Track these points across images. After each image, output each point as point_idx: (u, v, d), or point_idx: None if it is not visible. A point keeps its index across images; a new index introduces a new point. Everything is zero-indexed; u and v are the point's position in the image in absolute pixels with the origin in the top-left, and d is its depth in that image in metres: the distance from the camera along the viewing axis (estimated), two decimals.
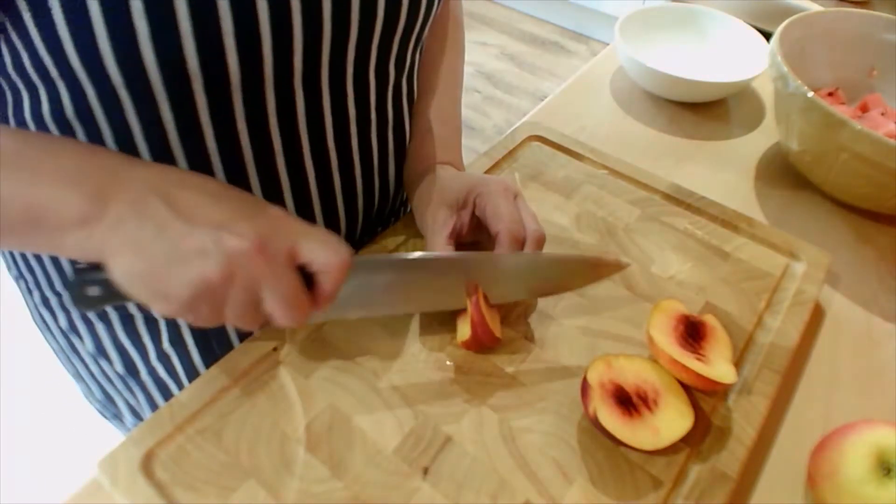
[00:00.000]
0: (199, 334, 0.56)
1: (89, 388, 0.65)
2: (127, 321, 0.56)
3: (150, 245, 0.34)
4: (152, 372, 0.58)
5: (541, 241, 0.49)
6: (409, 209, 0.71)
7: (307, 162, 0.50)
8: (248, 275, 0.35)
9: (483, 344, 0.47)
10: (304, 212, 0.52)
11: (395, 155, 0.59)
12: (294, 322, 0.38)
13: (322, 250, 0.37)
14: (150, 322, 0.56)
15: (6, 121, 0.46)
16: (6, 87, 0.43)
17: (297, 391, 0.45)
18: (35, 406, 1.44)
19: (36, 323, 0.63)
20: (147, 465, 0.40)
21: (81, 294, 0.39)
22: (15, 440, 1.38)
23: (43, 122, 0.43)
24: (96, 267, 0.38)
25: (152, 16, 0.36)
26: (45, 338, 0.64)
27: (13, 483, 1.32)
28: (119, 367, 0.59)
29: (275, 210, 0.38)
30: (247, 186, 0.48)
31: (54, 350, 0.65)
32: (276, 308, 0.36)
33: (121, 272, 0.35)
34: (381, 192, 0.59)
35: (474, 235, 0.52)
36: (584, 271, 0.49)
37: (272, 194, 0.49)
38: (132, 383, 0.60)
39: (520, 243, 0.48)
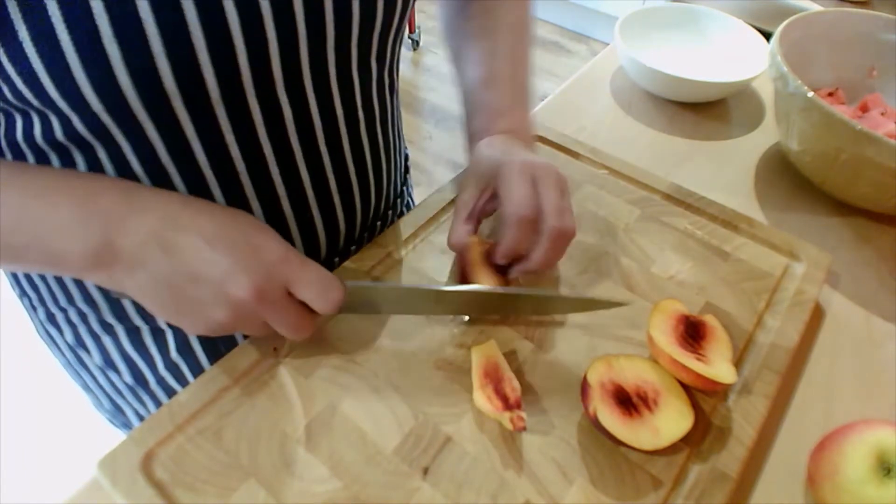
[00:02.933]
0: (207, 341, 0.56)
1: (98, 400, 0.65)
2: (133, 334, 0.56)
3: (160, 294, 0.39)
4: (161, 381, 0.58)
5: (559, 238, 0.46)
6: (405, 203, 0.71)
7: (301, 167, 0.49)
8: (252, 316, 0.40)
9: None
10: (303, 217, 0.52)
11: (385, 149, 0.58)
12: (302, 337, 0.43)
13: (313, 292, 0.41)
14: (157, 333, 0.56)
15: None
16: None
17: (297, 391, 0.45)
18: (35, 406, 1.44)
19: (42, 338, 0.63)
20: (147, 465, 0.40)
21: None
22: (15, 440, 1.38)
23: (35, 144, 0.43)
24: None
25: (122, 39, 0.36)
26: (52, 352, 0.64)
27: (13, 483, 1.32)
28: (128, 378, 0.59)
29: (269, 252, 0.40)
30: (243, 197, 0.48)
31: (61, 364, 0.64)
32: (282, 332, 0.42)
33: (145, 307, 0.41)
34: (377, 187, 0.58)
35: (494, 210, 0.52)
36: (581, 307, 0.50)
37: (269, 203, 0.49)
38: (142, 393, 0.60)
39: (527, 226, 0.46)
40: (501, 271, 0.49)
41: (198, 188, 0.46)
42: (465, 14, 0.60)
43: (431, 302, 0.47)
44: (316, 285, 0.41)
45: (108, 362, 0.58)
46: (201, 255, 0.38)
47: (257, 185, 0.48)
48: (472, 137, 0.55)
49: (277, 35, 0.41)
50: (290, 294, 0.41)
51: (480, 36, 0.58)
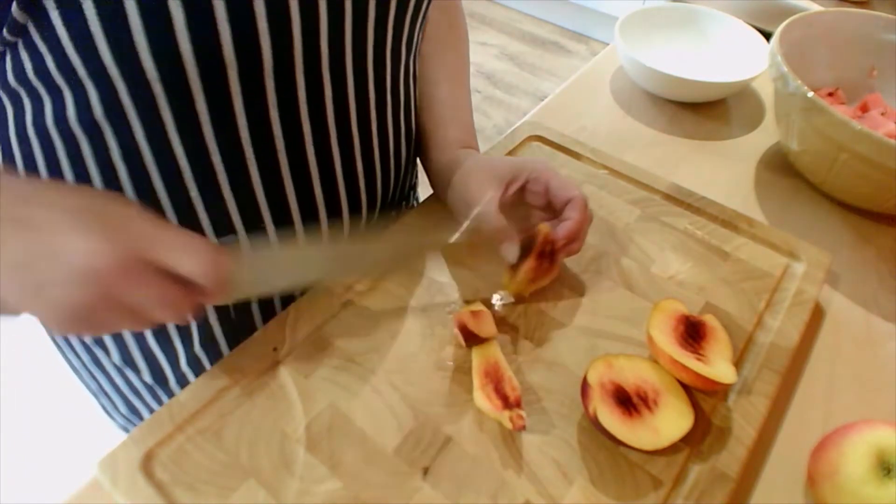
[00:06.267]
0: (231, 333, 0.56)
1: (113, 403, 0.65)
2: (159, 327, 0.55)
3: (15, 277, 0.34)
4: (182, 379, 0.58)
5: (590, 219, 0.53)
6: (416, 195, 0.71)
7: (334, 148, 0.50)
8: (118, 295, 0.35)
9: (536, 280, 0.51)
10: (331, 197, 0.52)
11: (406, 137, 0.59)
12: (182, 317, 0.38)
13: (184, 258, 0.36)
14: (182, 326, 0.55)
15: (24, 130, 0.45)
16: (24, 95, 0.43)
17: (297, 391, 0.45)
18: (35, 406, 1.45)
19: (55, 341, 0.62)
20: (147, 465, 0.40)
21: None
22: (15, 440, 1.38)
23: (67, 126, 0.43)
24: None
25: (188, 3, 0.36)
26: (66, 355, 0.63)
27: (13, 483, 1.32)
28: (147, 377, 0.59)
29: (139, 220, 0.36)
30: (278, 176, 0.48)
31: (75, 367, 0.64)
32: (159, 313, 0.36)
33: (3, 299, 0.35)
34: (395, 173, 0.59)
35: (515, 210, 0.55)
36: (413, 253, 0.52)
37: (302, 182, 0.50)
38: (160, 392, 0.60)
39: (587, 209, 0.52)
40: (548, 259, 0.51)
41: (237, 167, 0.46)
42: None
43: (323, 262, 0.46)
44: (191, 249, 0.36)
45: (128, 360, 0.58)
46: (57, 227, 0.34)
47: (293, 164, 0.48)
48: (449, 144, 0.60)
49: (328, 9, 0.42)
50: (164, 271, 0.36)
51: (439, 62, 0.63)
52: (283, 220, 0.51)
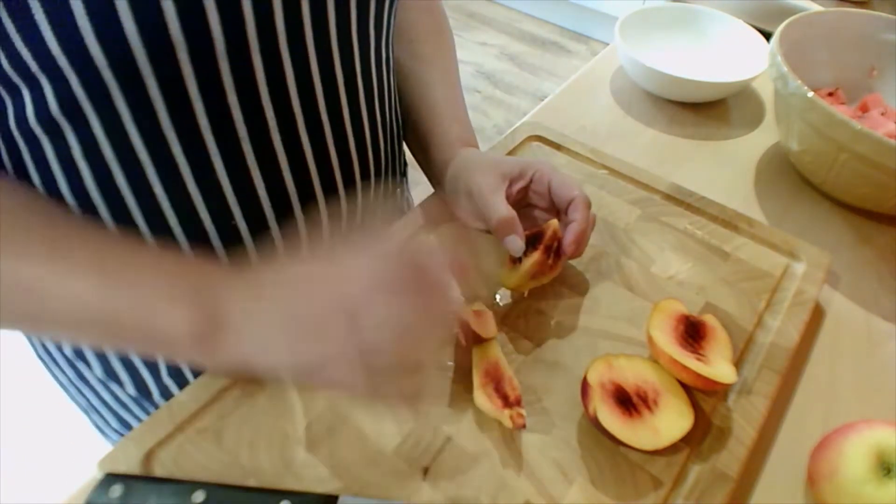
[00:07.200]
0: None
1: (104, 419, 0.64)
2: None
3: (288, 323, 0.37)
4: (165, 391, 0.57)
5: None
6: (406, 193, 0.71)
7: (303, 136, 0.48)
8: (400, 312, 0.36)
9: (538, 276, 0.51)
10: (305, 192, 0.51)
11: (383, 129, 0.57)
12: (406, 402, 0.39)
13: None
14: None
15: None
16: None
17: (297, 391, 0.45)
18: (35, 406, 1.45)
19: (40, 357, 0.62)
20: (147, 465, 0.40)
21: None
22: (15, 440, 1.38)
23: (28, 127, 0.42)
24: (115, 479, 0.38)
25: None
26: (52, 372, 0.62)
27: (13, 483, 1.32)
28: (131, 390, 0.58)
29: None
30: (244, 167, 0.47)
31: (62, 384, 0.63)
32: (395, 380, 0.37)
33: (270, 360, 0.38)
34: (375, 167, 0.58)
35: (518, 207, 0.55)
36: None
37: (270, 172, 0.48)
38: (147, 405, 0.59)
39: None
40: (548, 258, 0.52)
41: (198, 156, 0.45)
42: (408, 37, 0.64)
43: None
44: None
45: (110, 374, 0.57)
46: (357, 277, 0.36)
47: (259, 153, 0.46)
48: (452, 143, 0.60)
49: None
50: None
51: (431, 64, 0.65)
52: (253, 212, 0.49)
